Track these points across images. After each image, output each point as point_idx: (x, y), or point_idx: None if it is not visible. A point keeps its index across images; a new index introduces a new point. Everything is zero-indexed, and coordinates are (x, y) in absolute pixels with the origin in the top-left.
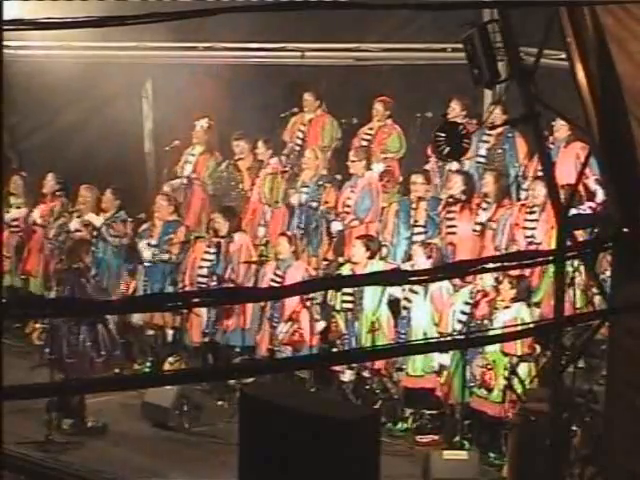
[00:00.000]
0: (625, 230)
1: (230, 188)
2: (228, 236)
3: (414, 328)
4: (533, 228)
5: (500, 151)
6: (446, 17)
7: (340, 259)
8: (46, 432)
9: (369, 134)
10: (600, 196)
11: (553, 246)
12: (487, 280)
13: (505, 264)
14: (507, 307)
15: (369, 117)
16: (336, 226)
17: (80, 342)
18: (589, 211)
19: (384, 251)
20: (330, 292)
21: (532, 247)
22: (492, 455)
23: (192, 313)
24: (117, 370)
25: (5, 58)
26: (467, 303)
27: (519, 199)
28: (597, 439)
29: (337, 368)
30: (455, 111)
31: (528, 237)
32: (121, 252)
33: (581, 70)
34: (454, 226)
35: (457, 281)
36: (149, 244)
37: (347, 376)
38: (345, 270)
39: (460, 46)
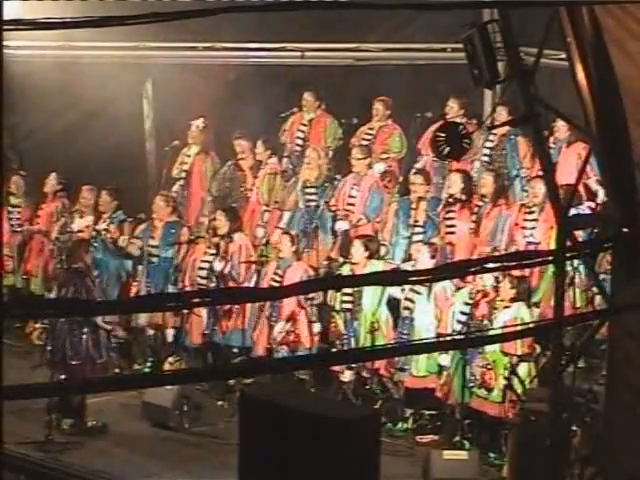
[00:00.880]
0: (625, 230)
1: (233, 188)
2: (228, 236)
3: (417, 328)
4: (532, 228)
5: (502, 152)
6: (446, 17)
7: (340, 259)
8: (46, 432)
9: (370, 134)
10: (601, 196)
11: (552, 246)
12: (487, 280)
13: (505, 264)
14: (507, 307)
15: (369, 117)
16: (342, 225)
17: (83, 343)
18: (589, 211)
19: (383, 251)
20: (329, 292)
21: (531, 247)
22: (492, 455)
23: (192, 313)
24: (117, 370)
25: (5, 58)
26: (467, 303)
27: (522, 200)
28: (597, 439)
29: (337, 368)
30: (453, 110)
31: (527, 237)
32: (119, 253)
33: (581, 70)
34: (453, 226)
35: (457, 281)
36: (149, 245)
37: (347, 376)
38: (345, 270)
39: (460, 46)
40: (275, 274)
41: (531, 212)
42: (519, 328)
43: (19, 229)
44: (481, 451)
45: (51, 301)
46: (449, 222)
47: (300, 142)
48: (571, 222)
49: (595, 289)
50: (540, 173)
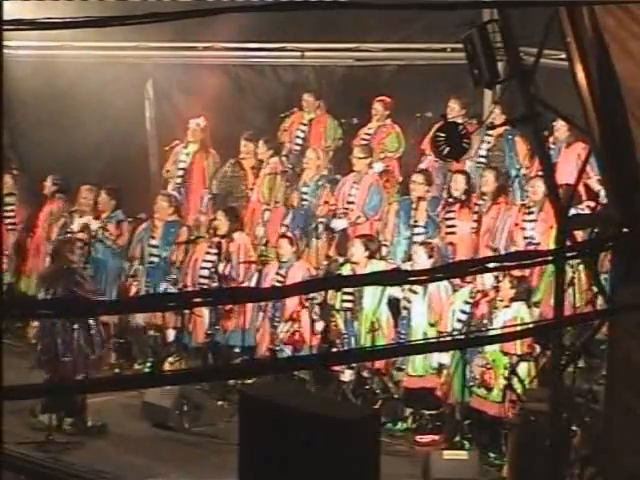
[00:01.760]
0: (625, 230)
1: (234, 187)
2: (228, 236)
3: (414, 328)
4: (532, 228)
5: (499, 152)
6: (446, 17)
7: (340, 259)
8: (46, 432)
9: (369, 134)
10: (602, 196)
11: (551, 246)
12: (487, 280)
13: (505, 264)
14: (507, 307)
15: (369, 117)
16: (340, 224)
17: (75, 340)
18: (588, 210)
19: (384, 251)
20: (330, 292)
21: (531, 247)
22: (492, 455)
23: (193, 313)
24: (117, 370)
25: (5, 58)
26: (467, 303)
27: (521, 199)
28: (597, 439)
29: (337, 368)
30: (454, 111)
31: (527, 237)
32: (118, 253)
33: (581, 70)
34: (454, 226)
35: (457, 281)
36: (149, 245)
37: (347, 376)
38: (345, 270)
39: (460, 46)
40: (277, 274)
41: (530, 212)
42: (519, 328)
43: (16, 229)
44: (481, 451)
45: (50, 301)
46: (449, 222)
47: (300, 142)
48: (571, 222)
49: (595, 289)
50: (539, 173)
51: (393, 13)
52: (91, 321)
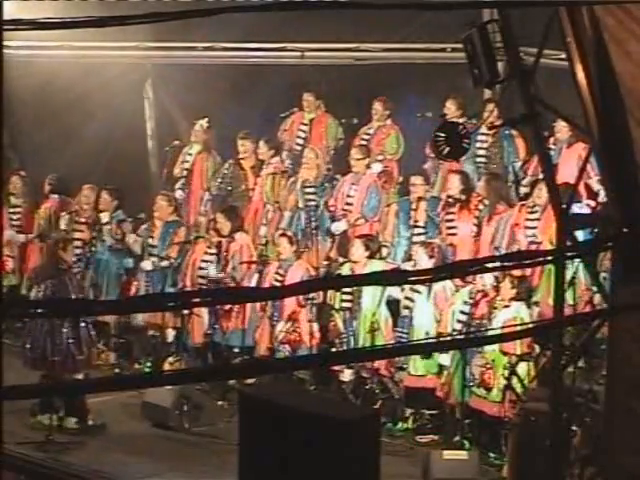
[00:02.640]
0: (625, 230)
1: (233, 187)
2: (229, 236)
3: (416, 327)
4: (534, 227)
5: (497, 150)
6: (446, 17)
7: (341, 259)
8: (46, 432)
9: (368, 134)
10: (602, 196)
11: (550, 245)
12: (487, 280)
13: (505, 264)
14: (507, 307)
15: (369, 117)
16: (340, 226)
17: (64, 340)
18: (588, 209)
19: (384, 251)
20: (329, 292)
21: (533, 247)
22: (492, 455)
23: (193, 314)
24: (117, 370)
25: (5, 58)
26: (467, 303)
27: (520, 199)
28: (597, 439)
29: (337, 368)
30: (451, 111)
31: (529, 237)
32: (119, 252)
33: (581, 70)
34: (454, 227)
35: (457, 281)
36: (149, 245)
37: (347, 376)
38: (345, 270)
39: (460, 46)
40: (277, 274)
41: (533, 212)
42: (519, 328)
43: (19, 230)
44: (481, 451)
45: (50, 301)
46: (449, 223)
47: (300, 142)
48: (571, 222)
49: (595, 289)
50: (538, 173)
51: (393, 13)
52: (80, 321)
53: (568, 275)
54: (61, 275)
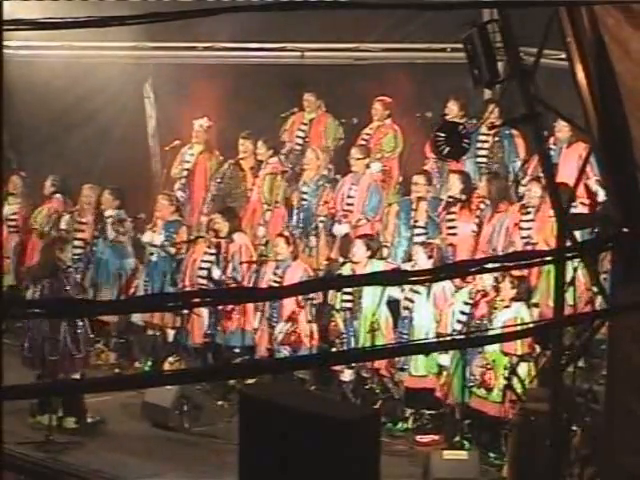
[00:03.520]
0: (625, 230)
1: (233, 187)
2: (227, 237)
3: (416, 328)
4: (529, 228)
5: (497, 150)
6: (446, 17)
7: (341, 259)
8: (46, 432)
9: (368, 134)
10: (601, 196)
11: (546, 245)
12: (487, 280)
13: (505, 264)
14: (507, 307)
15: (369, 117)
16: (343, 229)
17: (61, 339)
18: (586, 209)
19: (385, 252)
20: (330, 292)
21: (528, 247)
22: (492, 455)
23: (193, 314)
24: (117, 370)
25: (5, 58)
26: (467, 303)
27: (520, 198)
28: (597, 439)
29: (337, 368)
30: (453, 111)
31: (524, 238)
32: (120, 251)
33: (581, 70)
34: (454, 227)
35: (457, 281)
36: (149, 244)
37: (347, 376)
38: (346, 270)
39: (460, 46)
40: (275, 274)
41: (527, 212)
42: (519, 328)
43: (16, 230)
44: (481, 451)
45: (50, 301)
46: (450, 223)
47: (300, 142)
48: (571, 222)
49: (595, 289)
50: (536, 175)
51: (393, 13)
52: (78, 320)
53: (568, 276)
54: (57, 275)
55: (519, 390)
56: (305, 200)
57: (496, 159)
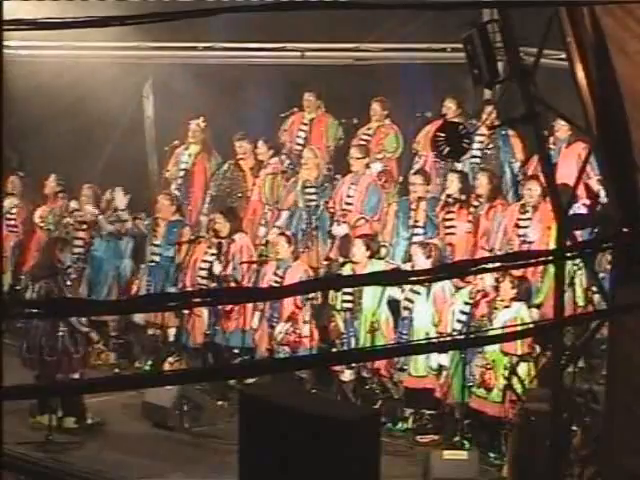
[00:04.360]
0: (625, 230)
1: (233, 188)
2: (228, 237)
3: (416, 328)
4: (526, 227)
5: (493, 150)
6: (446, 17)
7: (341, 259)
8: (46, 432)
9: (367, 134)
10: (603, 196)
11: (548, 246)
12: (487, 280)
13: (505, 264)
14: (507, 307)
15: (369, 117)
16: (342, 230)
17: (59, 340)
18: (586, 209)
19: (384, 252)
20: (330, 292)
21: (525, 246)
22: (492, 455)
23: (193, 314)
24: (117, 370)
25: (5, 58)
26: (467, 303)
27: (519, 198)
28: (597, 439)
29: (337, 368)
30: (451, 110)
31: (521, 236)
32: (119, 251)
33: (581, 70)
34: (453, 226)
35: (457, 281)
36: (151, 244)
37: (347, 376)
38: (346, 270)
39: (460, 46)
40: (275, 274)
41: (525, 211)
42: (519, 328)
43: (15, 230)
44: (481, 451)
45: (50, 301)
46: (448, 223)
47: (301, 142)
48: (571, 222)
49: (595, 289)
50: (535, 173)
51: (393, 13)
52: (75, 320)
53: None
54: (56, 275)
55: (519, 390)
56: (305, 200)
57: (492, 159)
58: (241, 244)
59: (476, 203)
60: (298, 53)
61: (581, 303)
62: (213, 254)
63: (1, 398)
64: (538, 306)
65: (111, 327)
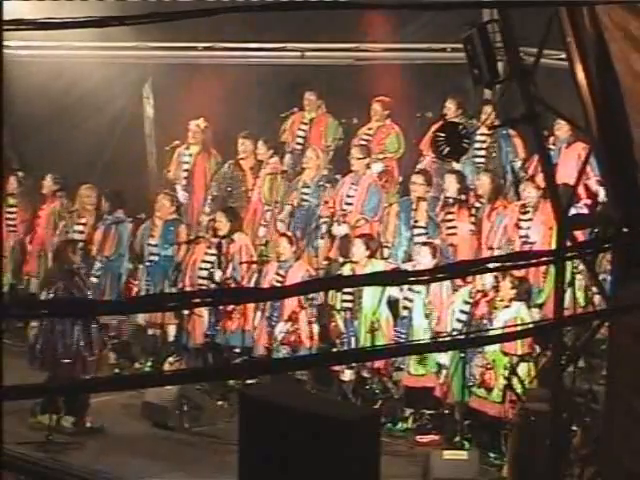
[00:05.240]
0: (625, 230)
1: (233, 188)
2: (228, 237)
3: (415, 328)
4: (527, 228)
5: (494, 150)
6: (446, 17)
7: (341, 259)
8: (46, 432)
9: (368, 134)
10: (601, 196)
11: (548, 246)
12: (487, 280)
13: (505, 264)
14: (507, 307)
15: (369, 117)
16: (342, 229)
17: (74, 342)
18: (586, 210)
19: (385, 252)
20: (330, 292)
21: (526, 247)
22: (492, 455)
23: (193, 314)
24: (117, 370)
25: (5, 58)
26: (467, 302)
27: (519, 198)
28: (597, 439)
29: (337, 368)
30: (451, 110)
31: (522, 237)
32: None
33: (581, 70)
34: (454, 227)
35: (457, 281)
36: (149, 244)
37: (347, 376)
38: (346, 269)
39: (460, 46)
40: (277, 274)
41: (526, 212)
42: (519, 328)
43: (15, 230)
44: (481, 451)
45: (50, 301)
46: (449, 223)
47: (301, 141)
48: (571, 222)
49: (595, 289)
50: (534, 175)
51: (393, 13)
52: (91, 323)
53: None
54: (72, 277)
55: (519, 390)
56: (305, 200)
57: (493, 159)
58: (241, 244)
59: (478, 204)
60: (298, 53)
61: (581, 303)
62: (213, 254)
63: (1, 398)
64: (540, 306)
65: (111, 327)
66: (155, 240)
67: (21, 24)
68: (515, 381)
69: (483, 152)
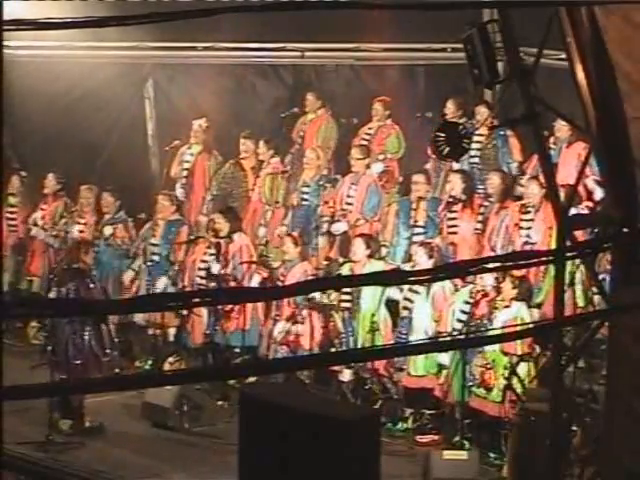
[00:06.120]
0: (625, 230)
1: (234, 187)
2: (228, 237)
3: (415, 328)
4: (529, 228)
5: (490, 150)
6: (446, 17)
7: (341, 259)
8: (46, 432)
9: (369, 134)
10: (598, 196)
11: (550, 246)
12: (487, 280)
13: (505, 264)
14: (507, 307)
15: (369, 117)
16: (341, 227)
17: (86, 342)
18: (587, 211)
19: (384, 251)
20: (329, 292)
21: (527, 247)
22: (492, 455)
23: (193, 314)
24: (117, 370)
25: (5, 58)
26: (467, 302)
27: (518, 198)
28: (597, 439)
29: (336, 368)
30: (451, 111)
31: (522, 237)
32: (122, 254)
33: (581, 70)
34: (456, 226)
35: (457, 281)
36: (150, 244)
37: (347, 376)
38: (346, 270)
39: (460, 46)
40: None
41: (527, 212)
42: (519, 328)
43: (16, 229)
44: (481, 451)
45: (51, 301)
46: (451, 222)
47: (300, 141)
48: (571, 222)
49: (595, 289)
50: (535, 174)
51: (393, 13)
52: (102, 323)
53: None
54: (83, 278)
55: (519, 390)
56: (305, 200)
57: (489, 159)
58: (240, 244)
59: (486, 203)
60: (298, 53)
61: (581, 303)
62: (212, 254)
63: (1, 398)
64: (539, 305)
65: (111, 327)
66: (156, 240)
67: (21, 24)
68: (515, 381)
69: (479, 152)
